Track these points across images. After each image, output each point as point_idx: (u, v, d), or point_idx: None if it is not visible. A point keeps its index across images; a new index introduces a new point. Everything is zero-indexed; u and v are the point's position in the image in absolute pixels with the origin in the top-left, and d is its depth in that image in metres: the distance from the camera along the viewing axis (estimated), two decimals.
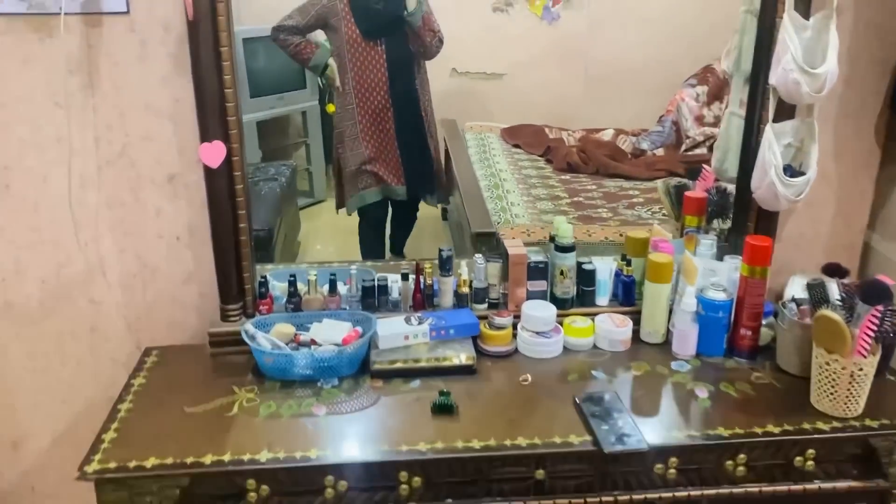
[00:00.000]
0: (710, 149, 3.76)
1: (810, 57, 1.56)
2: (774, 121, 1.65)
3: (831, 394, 1.49)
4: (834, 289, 1.55)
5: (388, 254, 2.92)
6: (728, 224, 2.00)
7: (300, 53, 2.74)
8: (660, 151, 3.81)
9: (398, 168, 2.79)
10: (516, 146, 3.88)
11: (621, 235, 2.76)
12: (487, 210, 2.92)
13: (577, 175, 3.48)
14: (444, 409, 1.51)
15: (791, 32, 1.54)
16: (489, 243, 2.71)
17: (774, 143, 1.62)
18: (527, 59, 4.14)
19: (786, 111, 1.68)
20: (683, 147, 3.79)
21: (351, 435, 1.47)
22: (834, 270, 1.61)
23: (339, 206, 2.90)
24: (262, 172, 3.13)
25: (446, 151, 3.57)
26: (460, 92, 4.10)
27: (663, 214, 2.97)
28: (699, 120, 3.87)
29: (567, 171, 3.52)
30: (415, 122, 2.80)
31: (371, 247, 2.91)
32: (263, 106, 3.32)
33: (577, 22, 4.18)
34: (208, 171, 1.63)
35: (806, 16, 1.59)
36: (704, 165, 2.02)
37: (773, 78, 1.59)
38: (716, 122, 3.86)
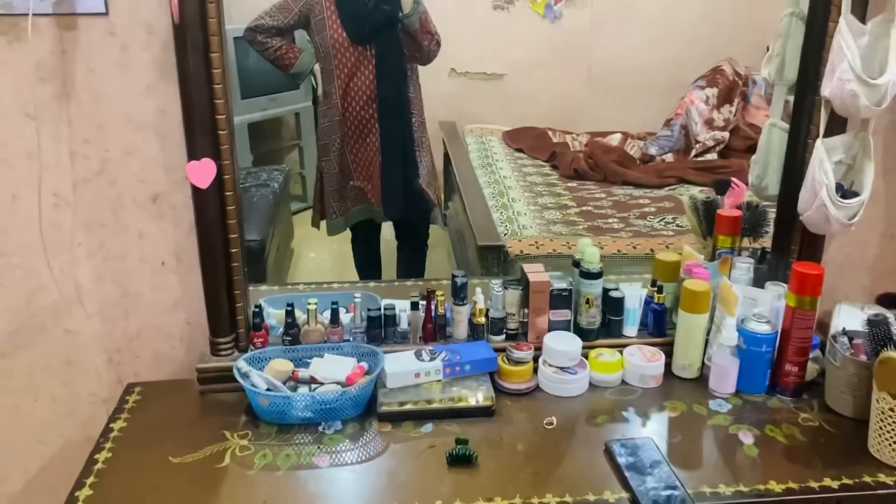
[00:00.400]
0: (721, 154, 3.66)
1: (867, 66, 1.41)
2: (824, 135, 1.50)
3: (895, 442, 1.34)
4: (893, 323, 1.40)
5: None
6: (759, 243, 1.85)
7: (281, 58, 2.47)
8: (668, 157, 3.67)
9: (378, 187, 2.53)
10: (519, 150, 3.73)
11: (635, 248, 2.61)
12: (493, 220, 2.77)
13: (585, 182, 3.33)
14: (461, 459, 1.35)
15: (848, 38, 1.38)
16: (496, 257, 2.56)
17: (826, 160, 1.46)
18: (528, 58, 4.01)
19: (836, 125, 1.52)
20: (693, 152, 3.64)
21: (358, 492, 1.31)
22: (891, 301, 1.46)
23: (316, 223, 2.65)
24: (253, 178, 2.98)
25: (446, 155, 3.41)
26: (459, 93, 3.96)
27: (678, 225, 2.82)
28: (709, 124, 3.73)
29: (574, 177, 3.37)
30: (403, 137, 2.52)
31: (363, 268, 2.71)
32: (255, 108, 3.18)
33: (580, 20, 4.04)
34: (197, 191, 1.46)
35: (862, 20, 1.43)
36: (734, 179, 1.87)
37: (827, 89, 1.43)
38: (725, 126, 3.73)
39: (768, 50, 4.12)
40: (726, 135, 3.67)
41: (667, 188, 3.25)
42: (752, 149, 3.57)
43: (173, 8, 1.32)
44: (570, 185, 3.29)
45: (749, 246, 1.84)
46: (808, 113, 1.54)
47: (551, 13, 4.05)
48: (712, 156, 3.62)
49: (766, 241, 1.84)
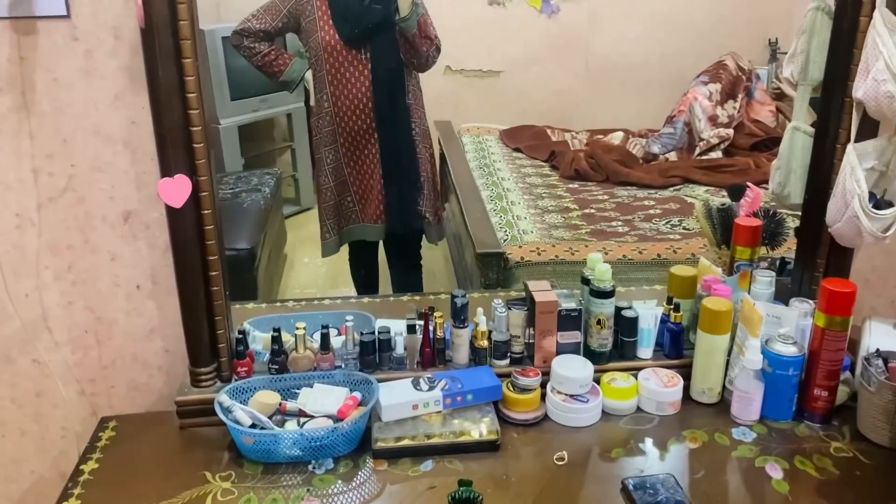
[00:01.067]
0: (726, 152, 3.54)
1: None
2: (855, 140, 1.38)
3: None
4: None
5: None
6: (777, 252, 1.73)
7: (269, 65, 2.30)
8: (672, 155, 3.55)
9: (379, 204, 2.37)
10: (517, 150, 3.61)
11: (641, 252, 2.49)
12: (492, 226, 2.65)
13: (586, 183, 3.21)
14: (465, 503, 1.23)
15: (884, 34, 1.26)
16: (496, 264, 2.44)
17: (858, 167, 1.34)
18: (525, 55, 3.90)
19: (866, 128, 1.40)
20: (697, 150, 3.53)
21: None
22: None
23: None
24: (244, 182, 2.86)
25: (442, 155, 3.29)
26: (455, 91, 3.84)
27: (684, 228, 2.71)
28: (713, 120, 3.61)
29: (575, 178, 3.25)
30: (404, 148, 2.36)
31: (360, 283, 2.58)
32: (245, 109, 3.07)
33: (578, 15, 3.93)
34: (171, 210, 1.33)
35: None
36: (749, 183, 1.75)
37: (860, 90, 1.30)
38: (730, 123, 3.61)
39: (770, 43, 4.00)
40: (731, 132, 3.56)
41: (671, 188, 3.13)
42: (757, 146, 3.49)
43: (138, 11, 1.19)
44: (570, 186, 3.17)
45: (767, 256, 1.73)
46: (836, 116, 1.42)
47: (548, 8, 3.93)
48: (717, 154, 3.51)
49: (783, 251, 1.73)
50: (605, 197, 3.03)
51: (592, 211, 2.87)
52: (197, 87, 1.27)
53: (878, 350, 1.42)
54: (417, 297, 1.96)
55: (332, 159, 2.32)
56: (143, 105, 1.35)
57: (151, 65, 1.25)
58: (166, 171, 1.30)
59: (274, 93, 3.05)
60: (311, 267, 2.94)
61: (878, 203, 1.40)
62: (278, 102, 3.18)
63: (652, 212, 2.86)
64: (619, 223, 2.76)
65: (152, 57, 1.24)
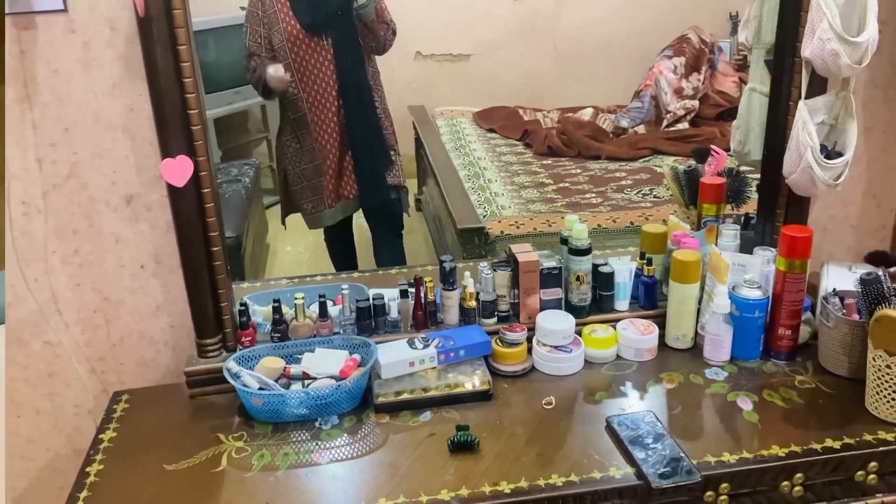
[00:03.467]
0: (692, 123, 3.66)
1: (846, 24, 1.40)
2: (805, 97, 1.49)
3: (892, 399, 1.35)
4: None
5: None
6: (742, 209, 1.85)
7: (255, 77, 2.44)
8: (640, 129, 3.67)
9: (349, 180, 2.47)
10: (491, 130, 3.70)
11: (614, 221, 2.61)
12: (471, 203, 2.74)
13: (559, 159, 3.31)
14: (463, 446, 1.33)
15: None
16: (477, 239, 2.53)
17: (809, 121, 1.46)
18: (493, 37, 3.98)
19: (816, 85, 1.51)
20: (665, 123, 3.64)
21: (361, 486, 1.28)
22: (879, 259, 1.46)
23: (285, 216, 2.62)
24: (224, 174, 2.92)
25: (417, 139, 3.38)
26: (426, 76, 3.92)
27: (655, 196, 2.82)
28: (678, 93, 3.73)
29: (548, 155, 3.36)
30: (371, 127, 2.46)
31: (339, 260, 2.67)
32: (220, 102, 3.11)
33: None
34: (173, 191, 1.41)
35: None
36: (713, 146, 1.86)
37: (808, 50, 1.42)
38: (695, 94, 3.73)
39: (731, 17, 4.11)
40: (696, 103, 3.68)
41: (641, 160, 3.25)
42: (722, 116, 3.61)
43: (138, 1, 1.27)
44: (544, 162, 3.27)
45: (732, 213, 1.84)
46: (788, 75, 1.53)
47: None
48: (683, 125, 3.62)
49: (748, 208, 1.84)
50: (578, 171, 3.14)
51: (567, 185, 2.98)
52: (193, 72, 1.35)
53: (834, 289, 1.54)
54: (405, 270, 2.05)
55: (307, 142, 2.41)
56: (140, 92, 1.42)
57: (149, 53, 1.32)
58: (167, 152, 1.38)
59: (247, 85, 3.10)
60: (294, 254, 3.01)
61: (830, 154, 1.51)
62: (252, 94, 3.20)
63: (623, 182, 2.97)
64: (593, 195, 2.86)
65: (150, 45, 1.32)
